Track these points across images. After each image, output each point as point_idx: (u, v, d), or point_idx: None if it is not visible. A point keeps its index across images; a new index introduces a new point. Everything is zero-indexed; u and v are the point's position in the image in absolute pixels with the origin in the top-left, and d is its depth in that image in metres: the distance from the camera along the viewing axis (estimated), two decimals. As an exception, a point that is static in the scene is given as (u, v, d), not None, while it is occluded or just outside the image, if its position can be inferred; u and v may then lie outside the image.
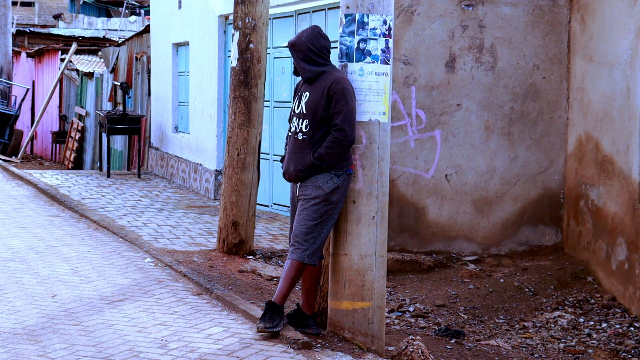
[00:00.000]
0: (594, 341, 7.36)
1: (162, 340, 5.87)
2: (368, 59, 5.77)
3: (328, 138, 5.71)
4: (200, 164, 13.90)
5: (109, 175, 15.40)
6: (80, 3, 38.42)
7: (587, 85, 8.97)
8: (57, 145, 23.08)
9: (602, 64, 8.63)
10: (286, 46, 6.00)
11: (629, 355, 7.06)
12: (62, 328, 6.13)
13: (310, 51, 5.82)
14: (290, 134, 5.96)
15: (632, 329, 7.56)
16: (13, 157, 21.12)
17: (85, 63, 22.88)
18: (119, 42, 20.92)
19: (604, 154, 8.56)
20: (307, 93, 5.85)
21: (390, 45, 5.83)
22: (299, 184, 5.88)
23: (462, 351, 6.81)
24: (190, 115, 14.68)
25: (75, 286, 7.40)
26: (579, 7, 9.17)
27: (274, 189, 11.88)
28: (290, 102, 6.01)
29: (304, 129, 5.82)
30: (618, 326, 7.64)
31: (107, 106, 18.75)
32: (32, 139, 23.52)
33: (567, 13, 9.37)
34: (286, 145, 6.02)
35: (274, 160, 11.81)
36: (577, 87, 9.20)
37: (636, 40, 7.91)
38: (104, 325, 6.24)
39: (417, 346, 5.79)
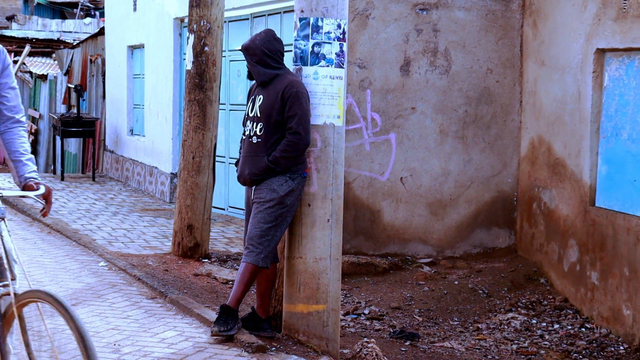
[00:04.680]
0: (546, 342, 7.45)
1: (115, 344, 5.81)
2: (322, 62, 5.78)
3: (283, 141, 5.70)
4: (156, 167, 13.81)
5: (62, 179, 15.23)
6: (34, 4, 37.92)
7: (539, 89, 9.09)
8: (10, 148, 22.75)
9: (553, 68, 8.75)
10: (240, 49, 6.01)
11: (580, 356, 7.16)
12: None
13: (264, 55, 5.82)
14: (244, 137, 5.95)
15: (583, 329, 7.67)
16: (-36, 160, 20.82)
17: (39, 65, 22.62)
18: (74, 44, 20.71)
19: (556, 157, 8.67)
20: (261, 96, 5.84)
21: (345, 49, 5.84)
22: (253, 187, 5.87)
23: (417, 353, 6.85)
24: (145, 118, 14.58)
25: (27, 291, 7.30)
26: (531, 12, 9.29)
27: (230, 192, 11.84)
28: (245, 105, 6.00)
29: (258, 132, 5.81)
30: (570, 327, 7.74)
31: (61, 109, 18.56)
32: (-16, 142, 23.18)
33: (519, 18, 9.48)
34: (241, 148, 6.01)
35: (229, 163, 11.77)
36: (530, 90, 9.31)
37: (586, 44, 8.03)
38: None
39: (372, 349, 5.82)
